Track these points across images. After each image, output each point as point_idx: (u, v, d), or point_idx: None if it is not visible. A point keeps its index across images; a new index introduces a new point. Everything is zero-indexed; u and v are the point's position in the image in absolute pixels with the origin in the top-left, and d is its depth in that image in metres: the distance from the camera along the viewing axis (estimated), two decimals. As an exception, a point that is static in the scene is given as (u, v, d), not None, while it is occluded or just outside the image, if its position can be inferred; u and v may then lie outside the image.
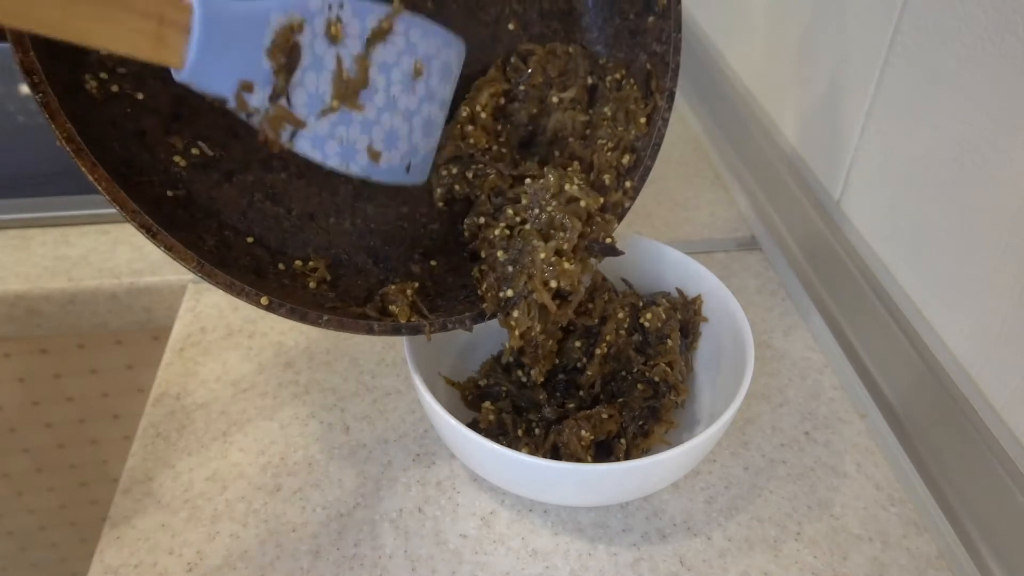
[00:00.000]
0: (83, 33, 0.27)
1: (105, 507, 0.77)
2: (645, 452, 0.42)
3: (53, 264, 0.58)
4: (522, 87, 0.45)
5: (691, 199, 0.66)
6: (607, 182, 0.43)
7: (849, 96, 0.51)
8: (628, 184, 0.44)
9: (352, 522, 0.41)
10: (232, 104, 0.32)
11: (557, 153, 0.45)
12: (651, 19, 0.45)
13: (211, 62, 0.30)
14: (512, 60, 0.45)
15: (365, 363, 0.50)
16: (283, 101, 0.33)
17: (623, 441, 0.41)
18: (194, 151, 0.37)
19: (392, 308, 0.39)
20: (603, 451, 0.42)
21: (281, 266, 0.39)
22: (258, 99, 0.32)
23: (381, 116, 0.37)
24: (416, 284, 0.41)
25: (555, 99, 0.45)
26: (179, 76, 0.30)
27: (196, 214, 0.37)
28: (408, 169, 0.40)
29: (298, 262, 0.40)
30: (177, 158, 0.37)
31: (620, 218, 0.44)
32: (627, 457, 0.41)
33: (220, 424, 0.46)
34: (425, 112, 0.40)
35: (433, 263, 0.44)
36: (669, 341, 0.44)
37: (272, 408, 0.47)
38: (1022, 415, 0.38)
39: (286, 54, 0.33)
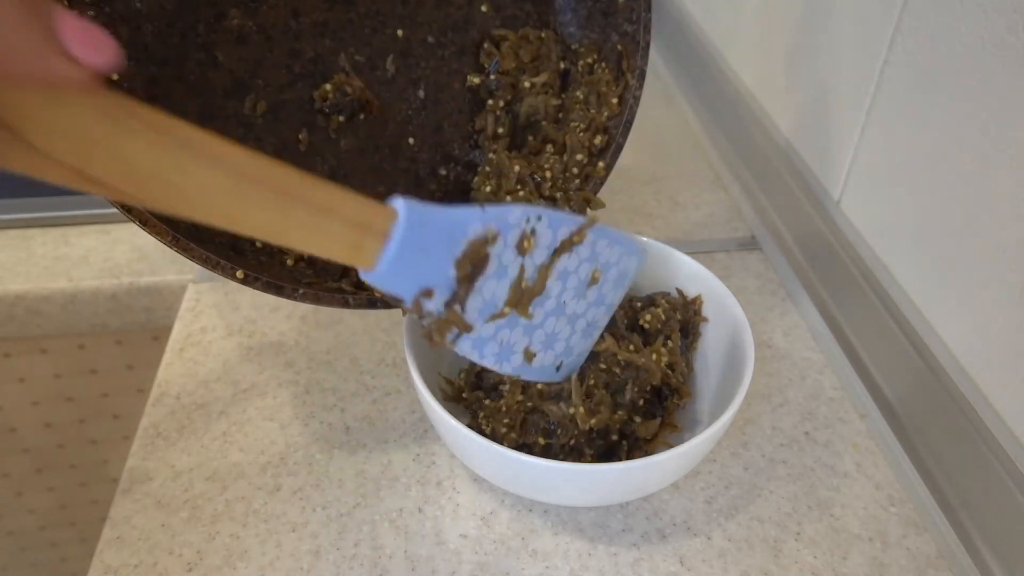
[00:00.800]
0: (285, 238, 0.26)
1: (105, 507, 0.77)
2: (646, 453, 0.42)
3: (53, 264, 0.58)
4: (493, 76, 0.45)
5: (691, 199, 0.66)
6: (580, 160, 0.44)
7: (849, 96, 0.51)
8: (601, 164, 0.45)
9: (352, 522, 0.41)
10: (408, 306, 0.31)
11: (531, 138, 0.46)
12: (622, 0, 0.45)
13: (401, 269, 0.29)
14: (485, 46, 0.45)
15: (365, 363, 0.50)
16: (457, 307, 0.32)
17: (625, 443, 0.41)
18: None
19: None
20: (604, 452, 0.42)
21: (258, 244, 0.39)
22: (435, 304, 0.32)
23: (547, 321, 0.37)
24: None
25: (527, 84, 0.45)
26: (365, 276, 0.29)
27: None
28: (558, 369, 0.39)
29: None
30: None
31: (595, 191, 0.45)
32: (628, 458, 0.41)
33: (220, 424, 0.46)
34: (590, 317, 0.39)
35: None
36: (670, 342, 0.44)
37: (272, 408, 0.47)
38: (1022, 415, 0.38)
39: (474, 264, 0.32)
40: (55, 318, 0.59)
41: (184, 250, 0.34)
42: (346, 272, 0.40)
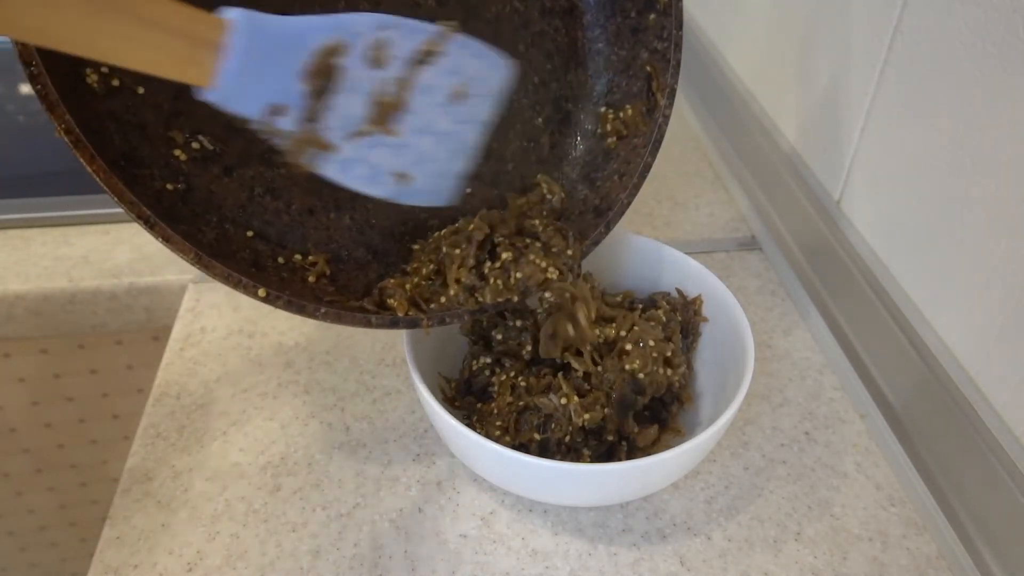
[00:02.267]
0: (109, 53, 0.25)
1: (105, 507, 0.77)
2: (646, 453, 0.42)
3: (53, 264, 0.58)
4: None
5: (691, 199, 0.66)
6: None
7: (849, 96, 0.51)
8: (626, 190, 0.44)
9: (352, 522, 0.41)
10: (258, 125, 0.30)
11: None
12: (652, 16, 0.45)
13: (242, 84, 0.28)
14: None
15: (365, 363, 0.50)
16: (313, 124, 0.31)
17: (624, 443, 0.41)
18: (194, 145, 0.37)
19: (390, 301, 0.39)
20: (604, 453, 0.42)
21: (280, 260, 0.39)
22: (287, 122, 0.31)
23: (415, 139, 0.35)
24: (415, 279, 0.41)
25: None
26: (204, 95, 0.28)
27: (196, 208, 0.37)
28: (433, 191, 0.39)
29: (297, 256, 0.40)
30: (177, 152, 0.37)
31: (619, 214, 0.44)
32: (628, 458, 0.41)
33: (220, 424, 0.46)
34: (460, 134, 0.38)
35: None
36: (671, 343, 0.44)
37: (272, 408, 0.47)
38: (1022, 415, 0.38)
39: (323, 78, 0.31)
40: (55, 318, 0.59)
41: (207, 268, 0.34)
42: (368, 291, 0.40)
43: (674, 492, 0.43)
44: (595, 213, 0.45)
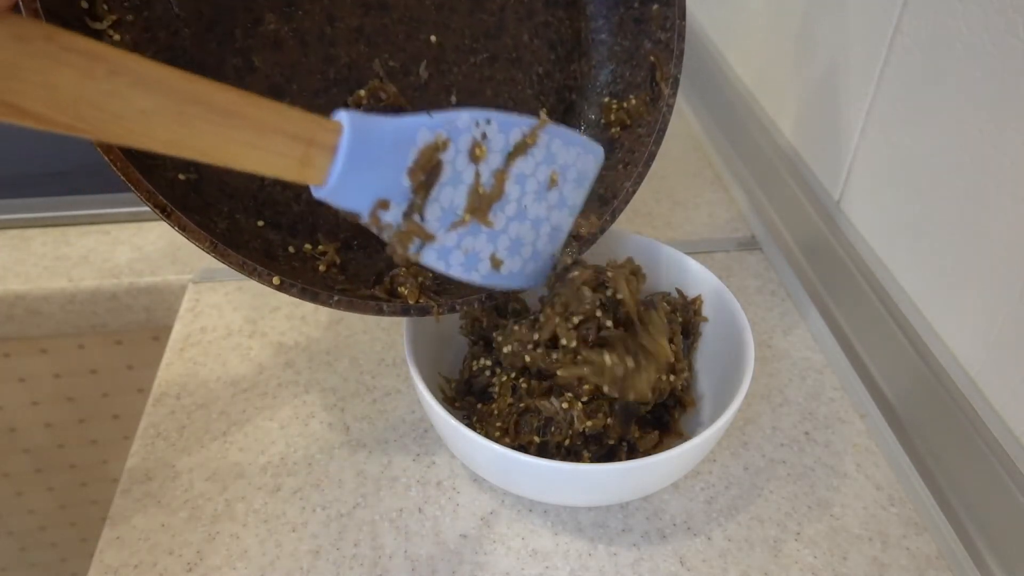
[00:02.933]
0: (231, 159, 0.26)
1: (105, 507, 0.77)
2: (646, 453, 0.42)
3: (53, 264, 0.58)
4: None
5: (691, 199, 0.66)
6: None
7: (849, 96, 0.51)
8: (630, 179, 0.44)
9: (352, 522, 0.41)
10: (366, 220, 0.31)
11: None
12: (655, 7, 0.45)
13: (352, 182, 0.29)
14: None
15: (365, 363, 0.50)
16: (416, 217, 0.33)
17: (625, 444, 0.41)
18: None
19: (401, 290, 0.40)
20: (604, 453, 0.42)
21: (291, 249, 0.39)
22: (392, 216, 0.32)
23: (509, 226, 0.37)
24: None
25: None
26: (317, 193, 0.29)
27: (208, 197, 0.37)
28: (526, 274, 0.39)
29: (308, 245, 0.40)
30: None
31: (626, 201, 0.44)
32: (628, 458, 0.41)
33: (220, 424, 0.46)
34: (554, 220, 0.39)
35: None
36: (673, 345, 0.44)
37: (272, 408, 0.47)
38: (1022, 415, 0.38)
39: (427, 173, 0.32)
40: (55, 318, 0.59)
41: (222, 256, 0.34)
42: (379, 279, 0.41)
43: (674, 492, 0.43)
44: (600, 202, 0.45)
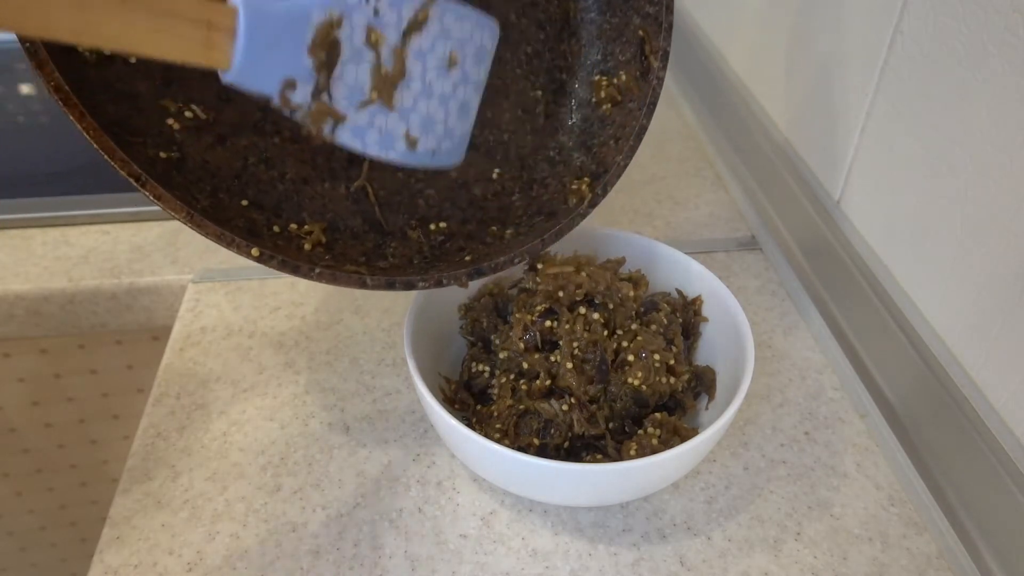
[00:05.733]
0: (137, 45, 0.27)
1: (105, 507, 0.77)
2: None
3: (53, 264, 0.58)
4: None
5: (691, 199, 0.66)
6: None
7: (849, 96, 0.51)
8: (622, 152, 0.45)
9: (352, 522, 0.41)
10: (276, 101, 0.32)
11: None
12: None
13: (256, 63, 0.31)
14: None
15: (365, 363, 0.50)
16: (324, 96, 0.34)
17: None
18: (187, 114, 0.38)
19: (382, 264, 0.40)
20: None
21: (276, 228, 0.39)
22: (301, 96, 0.33)
23: (418, 103, 0.38)
24: (415, 248, 0.42)
25: None
26: (225, 77, 0.30)
27: (190, 176, 0.37)
28: (442, 152, 0.40)
29: (293, 225, 0.40)
30: (170, 121, 0.37)
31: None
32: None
33: (220, 424, 0.46)
34: (460, 96, 0.40)
35: (431, 227, 0.44)
36: (674, 346, 0.44)
37: (272, 408, 0.47)
38: (1022, 415, 0.38)
39: (326, 50, 0.33)
40: (55, 318, 0.59)
41: (199, 226, 0.34)
42: (368, 258, 0.40)
43: (674, 492, 0.43)
44: (592, 177, 0.45)
